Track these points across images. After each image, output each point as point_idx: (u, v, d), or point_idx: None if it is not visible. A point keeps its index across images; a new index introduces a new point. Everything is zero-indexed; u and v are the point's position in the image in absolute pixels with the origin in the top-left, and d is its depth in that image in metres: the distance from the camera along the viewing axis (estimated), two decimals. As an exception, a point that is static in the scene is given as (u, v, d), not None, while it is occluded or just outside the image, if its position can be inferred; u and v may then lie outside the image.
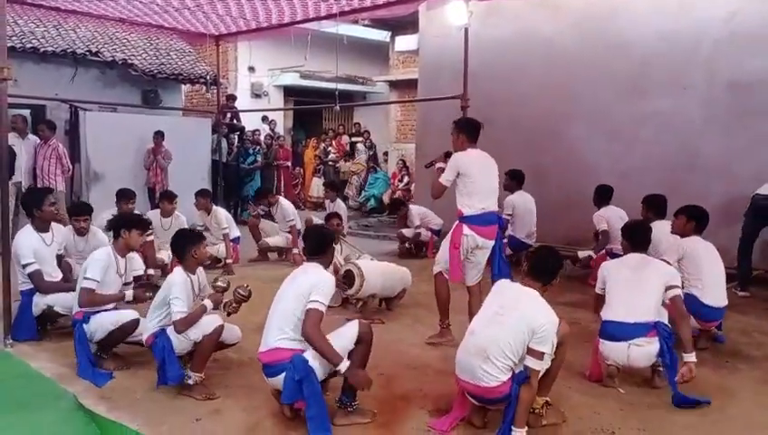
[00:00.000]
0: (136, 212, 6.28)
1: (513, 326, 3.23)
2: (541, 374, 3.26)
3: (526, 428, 3.21)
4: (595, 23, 8.60)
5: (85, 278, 4.29)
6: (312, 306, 3.37)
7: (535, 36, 9.12)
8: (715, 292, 4.64)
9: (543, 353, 3.20)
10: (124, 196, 6.88)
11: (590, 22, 8.65)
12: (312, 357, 3.38)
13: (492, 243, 4.88)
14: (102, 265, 4.33)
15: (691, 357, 3.88)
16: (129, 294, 4.46)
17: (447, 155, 5.20)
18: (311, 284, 3.47)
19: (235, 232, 8.30)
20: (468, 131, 4.95)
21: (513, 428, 3.17)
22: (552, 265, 3.49)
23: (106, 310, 4.39)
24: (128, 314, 4.33)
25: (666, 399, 3.83)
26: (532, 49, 9.13)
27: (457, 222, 4.84)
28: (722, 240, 4.86)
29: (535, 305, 3.31)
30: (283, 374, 3.36)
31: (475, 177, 4.76)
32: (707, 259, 4.70)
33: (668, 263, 4.54)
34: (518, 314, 3.26)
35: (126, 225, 4.55)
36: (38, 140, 8.89)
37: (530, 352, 3.21)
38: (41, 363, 4.40)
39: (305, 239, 3.88)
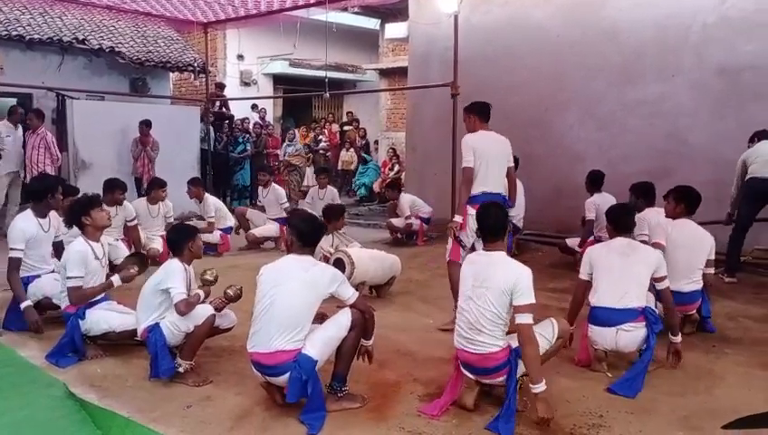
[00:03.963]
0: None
1: (493, 293, 3.32)
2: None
3: (544, 380, 3.26)
4: (586, 8, 8.61)
5: (68, 278, 4.26)
6: (353, 301, 3.50)
7: (526, 23, 9.12)
8: (678, 277, 4.60)
9: (531, 304, 3.29)
10: (117, 186, 6.62)
11: (581, 7, 8.66)
12: (314, 354, 3.36)
13: None
14: (79, 257, 4.27)
15: (677, 338, 4.08)
16: (117, 279, 4.42)
17: None
18: (325, 283, 3.43)
19: (228, 222, 8.30)
20: (479, 112, 5.05)
21: (531, 385, 3.25)
22: (497, 217, 3.55)
23: (105, 308, 4.41)
24: (129, 323, 4.28)
25: (654, 382, 3.87)
26: (522, 36, 9.14)
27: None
28: (711, 227, 4.88)
29: (505, 265, 3.40)
30: (287, 374, 3.33)
31: (480, 159, 4.85)
32: (683, 245, 4.70)
33: (661, 245, 4.59)
34: (493, 280, 3.34)
35: (82, 210, 4.43)
36: (21, 130, 8.85)
37: (517, 309, 3.29)
38: (30, 352, 4.39)
39: (297, 228, 3.62)
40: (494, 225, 3.52)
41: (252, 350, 3.44)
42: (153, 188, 7.52)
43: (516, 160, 7.72)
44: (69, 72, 10.93)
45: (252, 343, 3.45)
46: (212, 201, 8.15)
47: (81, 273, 4.27)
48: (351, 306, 3.52)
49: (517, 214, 7.78)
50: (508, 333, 3.43)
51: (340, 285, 3.49)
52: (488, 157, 4.89)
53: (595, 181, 6.99)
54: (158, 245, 7.14)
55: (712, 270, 4.89)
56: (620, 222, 4.25)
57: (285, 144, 13.58)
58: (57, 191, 5.09)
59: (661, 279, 4.08)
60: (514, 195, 5.18)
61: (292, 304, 3.37)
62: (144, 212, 7.22)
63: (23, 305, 4.68)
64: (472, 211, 4.86)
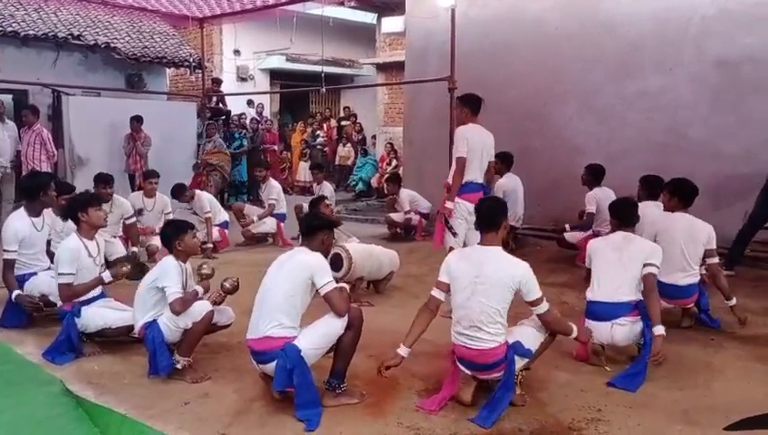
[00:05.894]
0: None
1: (496, 291, 3.35)
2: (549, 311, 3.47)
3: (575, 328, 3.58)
4: (584, 1, 8.54)
5: (59, 274, 4.26)
6: (327, 290, 3.43)
7: (524, 16, 9.05)
8: (675, 270, 4.59)
9: (542, 296, 3.40)
10: (102, 180, 6.62)
11: (580, 0, 8.59)
12: (303, 345, 3.37)
13: None
14: (70, 255, 4.27)
15: (659, 330, 3.82)
16: (107, 275, 4.42)
17: None
18: (303, 268, 3.45)
19: (223, 216, 8.26)
20: (471, 105, 5.23)
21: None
22: (489, 208, 3.60)
23: (101, 304, 4.40)
24: (125, 318, 4.28)
25: (652, 376, 3.86)
26: (520, 29, 9.07)
27: (446, 193, 5.14)
28: (710, 221, 4.85)
29: (505, 261, 3.44)
30: (275, 362, 3.36)
31: (470, 151, 5.05)
32: (678, 238, 4.68)
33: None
34: (495, 277, 3.36)
35: (80, 207, 4.43)
36: (15, 126, 8.81)
37: (532, 304, 3.42)
38: (27, 349, 4.38)
39: (299, 223, 3.83)
40: (486, 215, 3.55)
41: (247, 336, 3.52)
42: (145, 181, 7.60)
43: (511, 157, 7.75)
44: (64, 68, 10.89)
45: (249, 329, 3.53)
46: (205, 196, 8.13)
47: (71, 270, 4.27)
48: (324, 297, 3.45)
49: (515, 212, 7.76)
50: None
51: (317, 271, 3.45)
52: (477, 149, 5.09)
53: (596, 175, 6.95)
54: (156, 241, 7.10)
55: (715, 259, 4.79)
56: (623, 216, 4.24)
57: (204, 140, 11.18)
58: (50, 188, 5.07)
59: (648, 265, 3.96)
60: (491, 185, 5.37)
61: (276, 290, 3.44)
62: (139, 206, 7.18)
63: (14, 294, 4.64)
64: (458, 199, 5.07)
